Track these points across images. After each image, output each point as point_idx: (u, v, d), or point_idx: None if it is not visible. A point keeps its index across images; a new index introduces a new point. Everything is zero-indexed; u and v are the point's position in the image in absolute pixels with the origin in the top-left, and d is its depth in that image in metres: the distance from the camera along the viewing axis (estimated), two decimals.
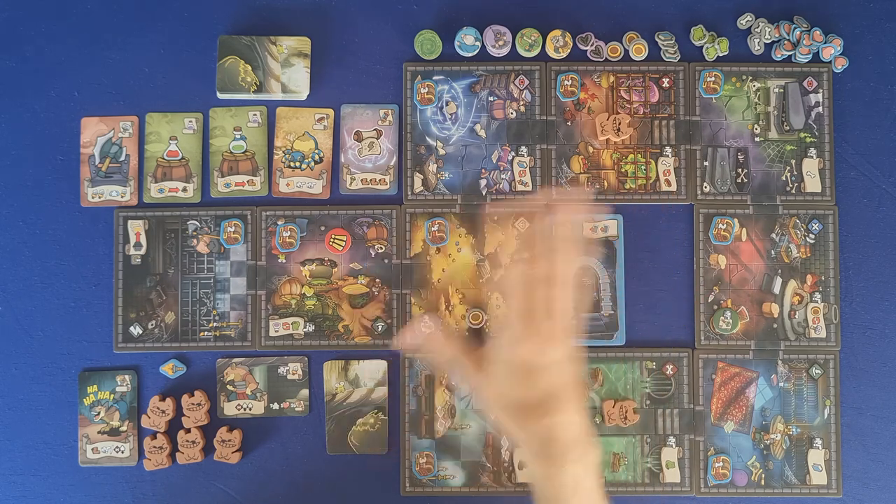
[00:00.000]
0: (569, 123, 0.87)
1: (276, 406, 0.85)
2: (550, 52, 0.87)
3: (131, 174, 0.86)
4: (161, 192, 0.86)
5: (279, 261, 0.86)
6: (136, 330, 0.85)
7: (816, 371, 0.85)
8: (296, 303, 0.85)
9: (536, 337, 0.60)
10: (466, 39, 0.86)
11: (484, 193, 0.86)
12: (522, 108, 0.87)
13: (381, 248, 0.86)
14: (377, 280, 0.86)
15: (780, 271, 0.86)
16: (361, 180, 0.86)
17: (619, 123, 0.86)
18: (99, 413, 0.84)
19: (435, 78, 0.87)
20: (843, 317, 0.86)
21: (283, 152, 0.86)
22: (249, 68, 0.85)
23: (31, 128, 0.86)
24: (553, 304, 0.60)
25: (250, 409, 0.85)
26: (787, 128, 0.87)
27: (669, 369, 0.85)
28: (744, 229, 0.86)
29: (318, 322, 0.85)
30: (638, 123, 0.87)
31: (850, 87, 0.88)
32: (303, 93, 0.86)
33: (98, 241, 0.86)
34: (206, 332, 0.85)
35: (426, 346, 0.67)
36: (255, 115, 0.87)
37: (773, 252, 0.86)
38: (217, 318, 0.85)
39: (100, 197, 0.86)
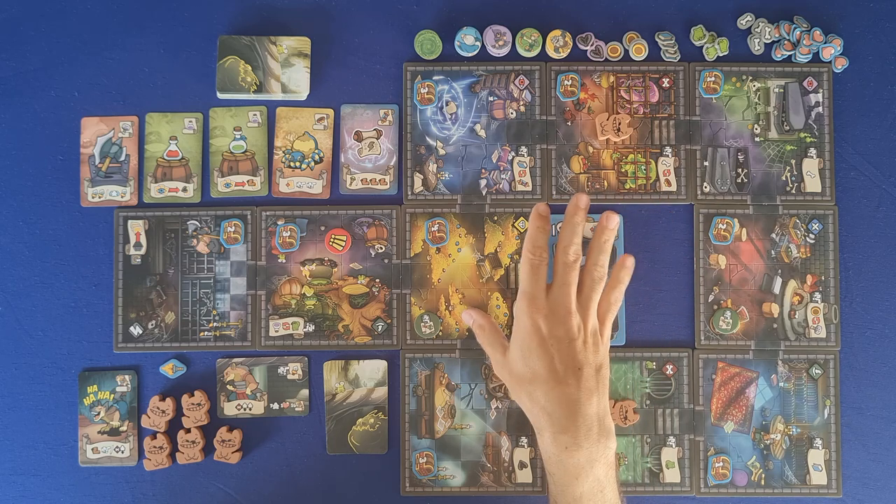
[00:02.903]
0: (569, 123, 0.87)
1: (276, 406, 0.85)
2: (550, 52, 0.87)
3: (131, 174, 0.86)
4: (161, 192, 0.86)
5: (279, 261, 0.86)
6: (136, 330, 0.85)
7: (816, 371, 0.85)
8: (296, 303, 0.85)
9: (544, 309, 0.69)
10: (466, 39, 0.86)
11: (484, 193, 0.86)
12: (522, 108, 0.87)
13: (381, 248, 0.86)
14: (377, 280, 0.86)
15: (780, 271, 0.86)
16: (361, 180, 0.86)
17: (619, 123, 0.86)
18: (99, 413, 0.84)
19: (435, 78, 0.87)
20: (843, 317, 0.86)
21: (283, 152, 0.86)
22: (249, 68, 0.85)
23: (31, 128, 0.86)
24: (574, 289, 0.70)
25: (250, 409, 0.85)
26: (787, 128, 0.87)
27: (669, 369, 0.85)
28: (744, 229, 0.86)
29: (318, 322, 0.85)
30: (638, 123, 0.87)
31: (850, 87, 0.88)
32: (303, 93, 0.86)
33: (98, 241, 0.86)
34: (206, 332, 0.85)
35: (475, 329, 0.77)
36: (255, 115, 0.87)
37: (773, 252, 0.86)
38: (217, 318, 0.85)
39: (100, 197, 0.86)
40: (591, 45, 0.87)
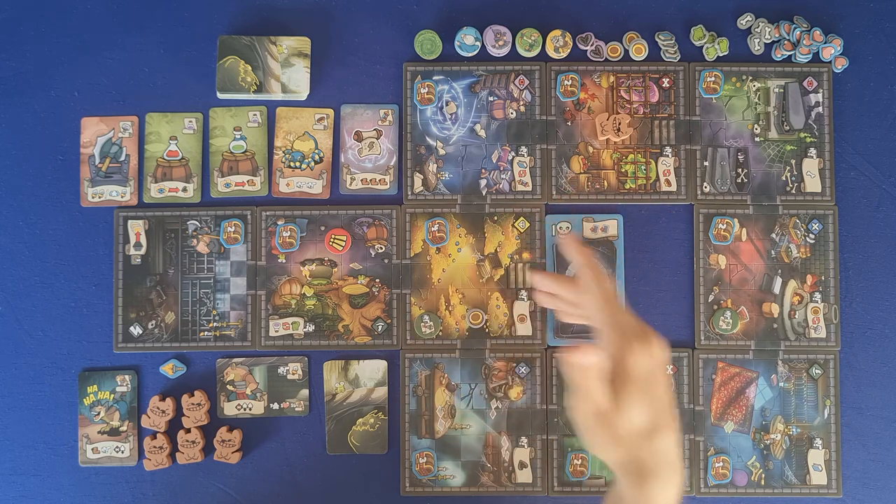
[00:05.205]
0: (569, 123, 0.87)
1: (276, 406, 0.85)
2: (550, 52, 0.87)
3: (131, 174, 0.86)
4: (161, 192, 0.86)
5: (279, 261, 0.86)
6: (136, 330, 0.85)
7: (816, 371, 0.85)
8: (296, 303, 0.85)
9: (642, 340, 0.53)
10: (466, 39, 0.86)
11: (484, 193, 0.86)
12: (522, 108, 0.87)
13: (381, 248, 0.86)
14: (377, 280, 0.86)
15: (780, 271, 0.86)
16: (361, 180, 0.86)
17: (619, 123, 0.86)
18: (99, 413, 0.84)
19: (435, 78, 0.87)
20: (843, 317, 0.86)
21: (283, 152, 0.86)
22: (249, 68, 0.85)
23: (31, 128, 0.86)
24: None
25: (250, 409, 0.85)
26: (787, 128, 0.87)
27: (669, 369, 0.85)
28: (744, 229, 0.86)
29: (318, 322, 0.85)
30: (638, 123, 0.87)
31: (850, 87, 0.88)
32: (303, 93, 0.86)
33: (98, 241, 0.86)
34: (206, 332, 0.85)
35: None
36: (255, 115, 0.87)
37: (773, 252, 0.86)
38: (217, 318, 0.85)
39: (100, 197, 0.86)
40: (591, 45, 0.87)
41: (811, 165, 0.87)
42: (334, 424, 0.85)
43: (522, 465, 0.85)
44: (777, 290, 0.86)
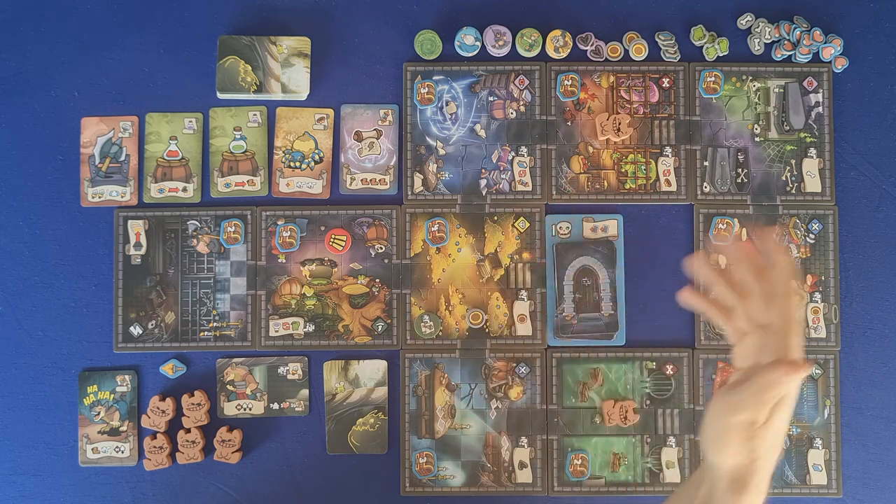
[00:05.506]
0: (569, 123, 0.87)
1: (276, 406, 0.85)
2: (550, 52, 0.87)
3: (131, 174, 0.86)
4: (161, 192, 0.86)
5: (279, 261, 0.86)
6: (136, 330, 0.85)
7: (816, 371, 0.85)
8: (296, 303, 0.85)
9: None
10: (466, 39, 0.86)
11: (484, 193, 0.86)
12: (522, 108, 0.87)
13: (381, 248, 0.86)
14: (377, 280, 0.86)
15: None
16: (361, 180, 0.86)
17: (619, 123, 0.86)
18: (99, 413, 0.84)
19: (435, 78, 0.87)
20: (843, 317, 0.86)
21: (283, 152, 0.86)
22: (249, 68, 0.85)
23: (31, 128, 0.86)
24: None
25: (250, 409, 0.85)
26: (787, 128, 0.87)
27: (669, 369, 0.85)
28: (744, 229, 0.86)
29: (318, 322, 0.85)
30: (638, 123, 0.87)
31: (850, 87, 0.88)
32: (303, 93, 0.86)
33: (98, 241, 0.86)
34: (206, 332, 0.85)
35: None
36: (255, 115, 0.87)
37: None
38: (217, 318, 0.85)
39: (100, 197, 0.86)
40: (591, 45, 0.87)
41: (811, 165, 0.87)
42: (334, 424, 0.85)
43: (522, 465, 0.85)
44: None
